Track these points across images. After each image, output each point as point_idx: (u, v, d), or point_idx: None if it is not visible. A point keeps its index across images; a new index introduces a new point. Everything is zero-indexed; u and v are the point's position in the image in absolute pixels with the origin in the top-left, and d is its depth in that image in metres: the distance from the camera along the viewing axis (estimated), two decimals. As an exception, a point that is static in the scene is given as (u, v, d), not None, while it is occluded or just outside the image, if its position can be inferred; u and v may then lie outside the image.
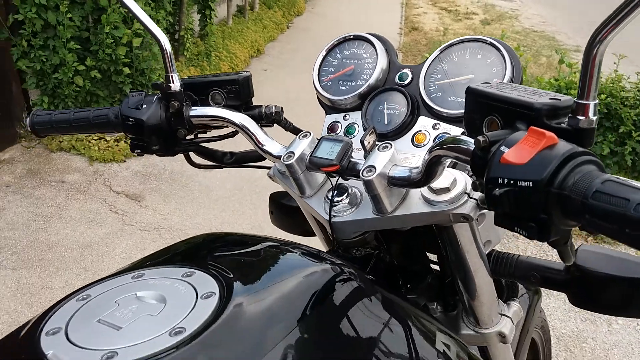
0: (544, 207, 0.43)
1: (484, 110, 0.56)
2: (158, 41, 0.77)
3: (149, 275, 0.54)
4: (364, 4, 9.79)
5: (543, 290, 1.14)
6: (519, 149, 0.45)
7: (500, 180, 0.45)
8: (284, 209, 1.02)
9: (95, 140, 3.87)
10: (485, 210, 0.77)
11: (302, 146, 0.74)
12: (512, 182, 0.44)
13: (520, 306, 0.88)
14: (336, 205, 0.73)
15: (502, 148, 0.47)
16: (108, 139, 3.88)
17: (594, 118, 0.48)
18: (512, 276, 0.79)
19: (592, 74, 0.47)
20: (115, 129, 0.84)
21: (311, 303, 0.51)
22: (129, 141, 0.83)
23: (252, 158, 0.89)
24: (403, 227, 0.76)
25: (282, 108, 0.84)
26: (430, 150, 0.60)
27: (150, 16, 0.80)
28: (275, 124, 0.85)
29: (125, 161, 3.75)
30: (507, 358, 0.92)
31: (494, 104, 0.55)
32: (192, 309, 0.47)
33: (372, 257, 0.78)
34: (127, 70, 3.82)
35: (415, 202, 0.69)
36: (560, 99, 0.51)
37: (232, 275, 0.53)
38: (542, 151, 0.44)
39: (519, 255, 0.80)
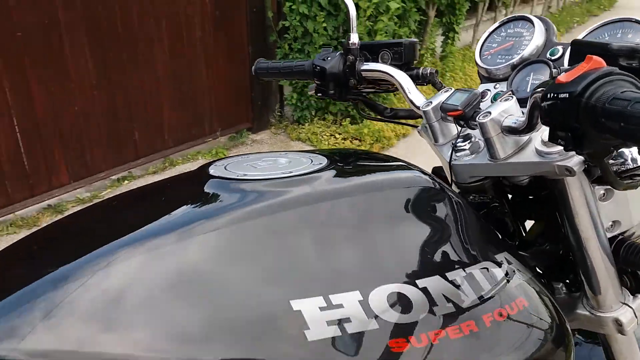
0: (576, 116, 0.50)
1: (580, 58, 0.62)
2: (346, 5, 0.98)
3: (289, 154, 0.74)
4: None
5: None
6: (571, 72, 0.52)
7: (549, 95, 0.53)
8: (443, 180, 1.14)
9: (327, 136, 4.39)
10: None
11: (440, 98, 0.86)
12: (555, 95, 0.52)
13: None
14: (459, 151, 0.84)
15: (562, 74, 0.54)
16: (337, 137, 4.36)
17: None
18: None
19: None
20: (308, 77, 1.08)
21: (400, 200, 0.65)
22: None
23: (406, 116, 1.04)
24: (517, 180, 0.82)
25: (436, 70, 0.97)
26: (531, 94, 0.68)
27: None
28: (430, 85, 0.99)
29: (347, 157, 4.17)
30: (629, 354, 0.88)
31: (587, 50, 0.61)
32: (302, 168, 0.66)
33: (487, 206, 0.86)
34: (364, 77, 4.25)
35: (528, 154, 0.76)
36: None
37: (346, 164, 0.70)
38: (586, 72, 0.51)
39: None
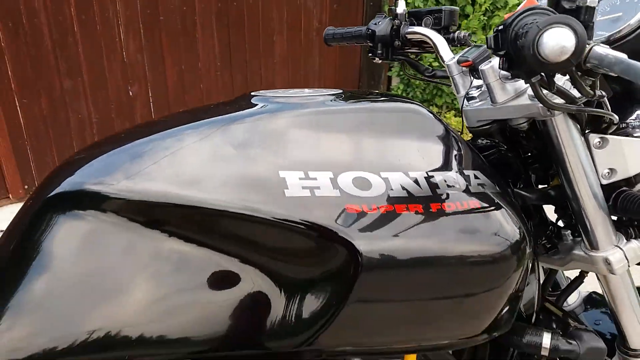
0: (506, 42, 0.62)
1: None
2: (394, -24, 1.13)
3: (314, 89, 0.92)
4: None
5: None
6: (514, 12, 0.64)
7: (494, 30, 0.66)
8: None
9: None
10: (609, 137, 0.87)
11: (462, 53, 0.99)
12: (498, 27, 0.65)
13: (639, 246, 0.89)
14: (471, 99, 0.96)
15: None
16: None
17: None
18: (636, 214, 0.85)
19: None
20: (363, 40, 1.25)
21: (390, 118, 0.80)
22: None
23: (444, 76, 1.16)
24: (515, 123, 0.92)
25: (469, 34, 1.09)
26: None
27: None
28: (465, 46, 1.10)
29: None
30: (625, 294, 0.93)
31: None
32: (319, 94, 0.84)
33: (492, 148, 0.97)
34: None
35: (523, 98, 0.86)
36: None
37: (358, 94, 0.87)
38: (520, 9, 0.63)
39: None
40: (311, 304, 0.69)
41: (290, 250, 0.69)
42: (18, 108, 3.02)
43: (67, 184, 0.70)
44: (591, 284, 1.08)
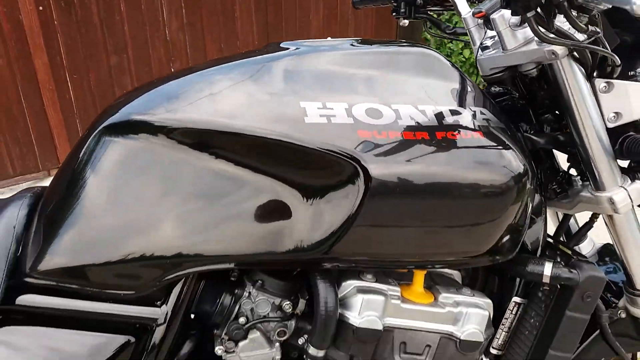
0: None
1: None
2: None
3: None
4: None
5: None
6: None
7: None
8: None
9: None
10: (615, 81, 0.91)
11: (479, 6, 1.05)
12: None
13: None
14: (485, 48, 1.02)
15: None
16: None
17: None
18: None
19: None
20: (389, 0, 1.32)
21: (401, 58, 0.88)
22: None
23: (464, 33, 1.22)
24: (525, 69, 0.97)
25: (483, -8, 1.14)
26: None
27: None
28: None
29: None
30: (625, 234, 0.98)
31: None
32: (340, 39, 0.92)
33: (504, 95, 1.03)
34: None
35: (531, 45, 0.92)
36: None
37: (378, 40, 0.95)
38: None
39: None
40: (328, 217, 0.79)
41: (309, 169, 0.78)
42: (69, 83, 3.21)
43: (115, 118, 0.81)
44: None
